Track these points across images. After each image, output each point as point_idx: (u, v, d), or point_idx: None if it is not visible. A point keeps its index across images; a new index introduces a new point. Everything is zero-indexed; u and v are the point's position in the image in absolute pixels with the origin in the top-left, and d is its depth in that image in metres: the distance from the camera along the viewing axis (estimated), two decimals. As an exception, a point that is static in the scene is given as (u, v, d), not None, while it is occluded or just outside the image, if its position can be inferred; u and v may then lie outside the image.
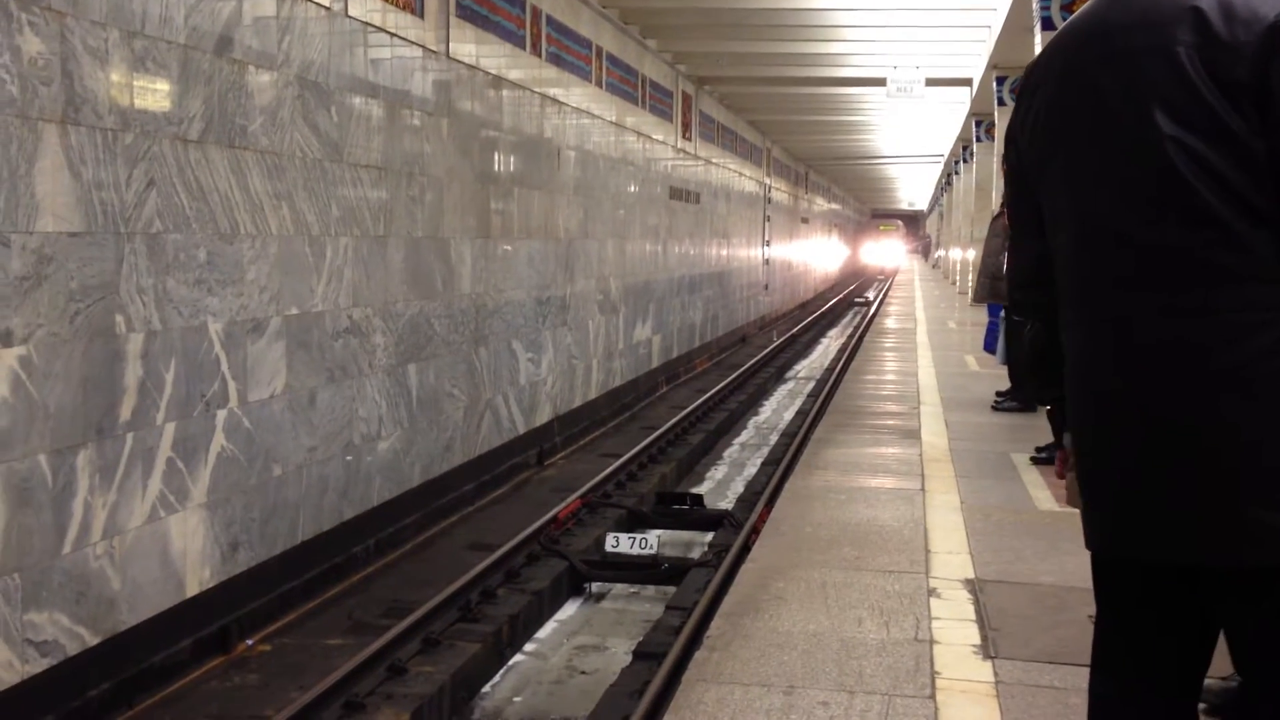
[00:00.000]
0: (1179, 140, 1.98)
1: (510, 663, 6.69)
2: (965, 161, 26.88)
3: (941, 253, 44.50)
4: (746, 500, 10.02)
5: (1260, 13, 1.95)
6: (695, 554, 8.63)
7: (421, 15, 8.31)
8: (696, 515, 9.52)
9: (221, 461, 6.04)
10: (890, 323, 20.74)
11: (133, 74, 5.38)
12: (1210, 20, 1.97)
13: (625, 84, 14.31)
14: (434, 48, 8.56)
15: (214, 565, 6.03)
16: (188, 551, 5.82)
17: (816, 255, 42.05)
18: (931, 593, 4.73)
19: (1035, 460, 7.28)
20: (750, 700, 3.67)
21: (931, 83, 17.39)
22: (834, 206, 49.69)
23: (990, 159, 18.96)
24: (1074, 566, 4.95)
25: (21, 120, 4.74)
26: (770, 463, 11.93)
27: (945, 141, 29.66)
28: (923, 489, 6.65)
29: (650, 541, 8.15)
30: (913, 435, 8.46)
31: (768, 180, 28.14)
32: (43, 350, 4.86)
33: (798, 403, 16.79)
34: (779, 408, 16.72)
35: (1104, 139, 2.08)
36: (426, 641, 6.16)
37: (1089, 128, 2.11)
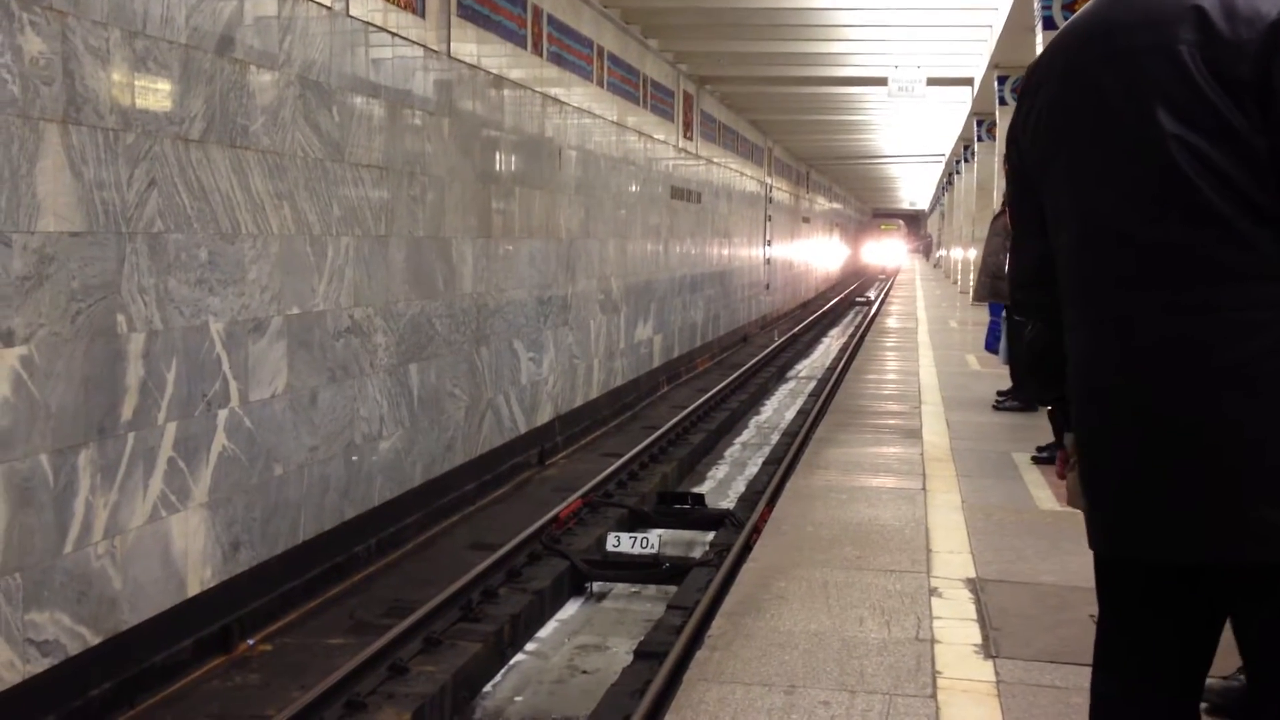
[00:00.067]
0: (1181, 138, 1.98)
1: (511, 662, 6.69)
2: (966, 161, 26.87)
3: (943, 252, 44.49)
4: (748, 500, 10.02)
5: (1262, 10, 1.95)
6: (696, 553, 8.63)
7: (423, 15, 8.31)
8: (698, 515, 9.52)
9: (223, 461, 6.04)
10: (891, 322, 20.74)
11: (134, 74, 5.38)
12: (1212, 18, 1.97)
13: (627, 83, 14.31)
14: (435, 47, 8.56)
15: (215, 565, 6.03)
16: (189, 551, 5.82)
17: (818, 255, 42.05)
18: (933, 592, 4.73)
19: (1036, 460, 7.28)
20: (752, 700, 3.66)
21: (933, 82, 17.39)
22: (835, 206, 49.68)
23: (992, 158, 18.96)
24: (1075, 566, 4.94)
25: (23, 120, 4.74)
26: (771, 462, 11.93)
27: (946, 141, 29.65)
28: (924, 488, 6.65)
29: (651, 541, 8.15)
30: (914, 435, 8.46)
31: (769, 180, 28.13)
32: (44, 350, 4.86)
33: (799, 402, 16.79)
34: (780, 407, 16.72)
35: (1106, 138, 2.08)
36: (428, 641, 6.16)
37: (1090, 127, 2.10)
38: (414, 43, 8.22)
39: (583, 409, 12.52)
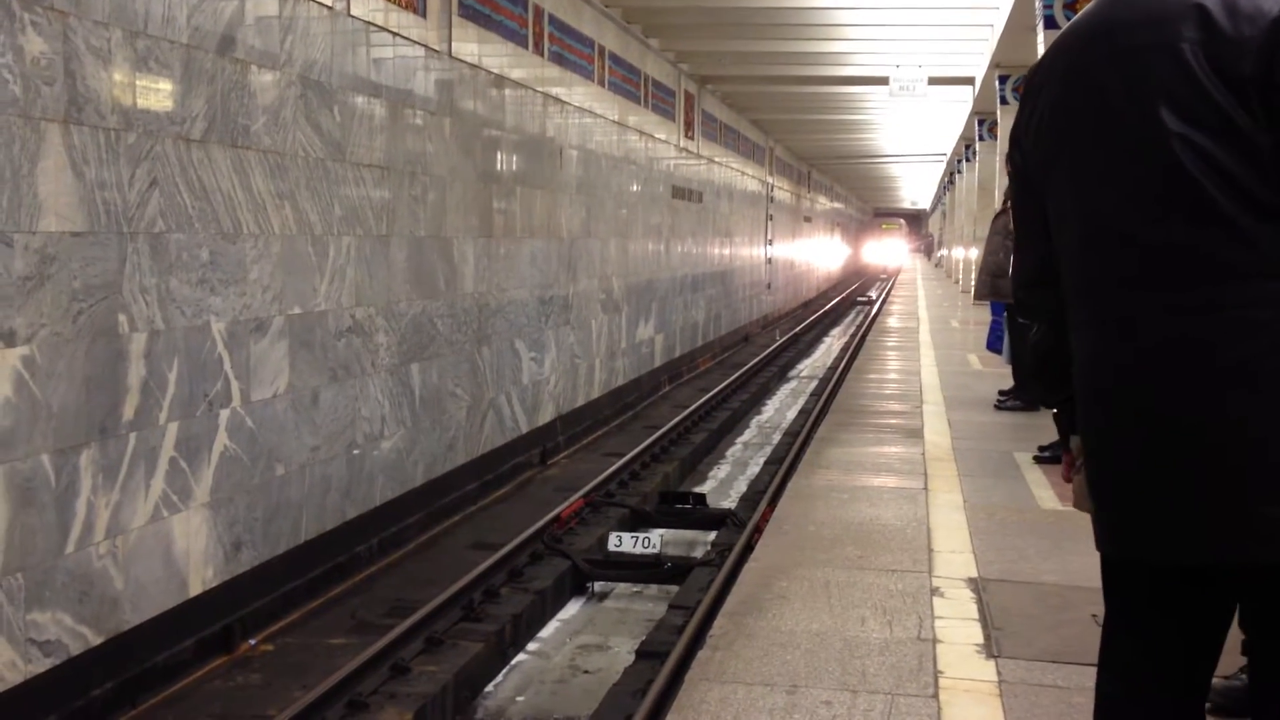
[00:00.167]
0: (1185, 137, 1.98)
1: (513, 662, 6.69)
2: (968, 160, 26.87)
3: (944, 251, 44.48)
4: (749, 499, 10.02)
5: (1264, 8, 1.95)
6: (698, 553, 8.63)
7: (424, 14, 8.31)
8: (699, 514, 9.52)
9: (224, 461, 6.05)
10: (893, 321, 20.74)
11: (135, 74, 5.39)
12: (1214, 16, 1.97)
13: (628, 83, 14.31)
14: (436, 47, 8.56)
15: (217, 565, 6.03)
16: (191, 551, 5.82)
17: (819, 254, 42.04)
18: (934, 592, 4.73)
19: (1038, 459, 7.27)
20: (753, 699, 3.66)
21: (934, 81, 17.39)
22: (837, 205, 49.67)
23: (993, 158, 18.96)
24: (1077, 565, 4.95)
25: (24, 120, 4.74)
26: (773, 462, 11.93)
27: (948, 140, 29.64)
28: (926, 488, 6.65)
29: (653, 541, 8.15)
30: (916, 434, 8.46)
31: (770, 179, 28.13)
32: (46, 350, 4.86)
33: (800, 402, 16.79)
34: (782, 407, 16.71)
35: (1109, 138, 2.08)
36: (429, 641, 6.16)
37: (1093, 127, 2.10)
38: (415, 42, 8.22)
39: (584, 408, 12.52)
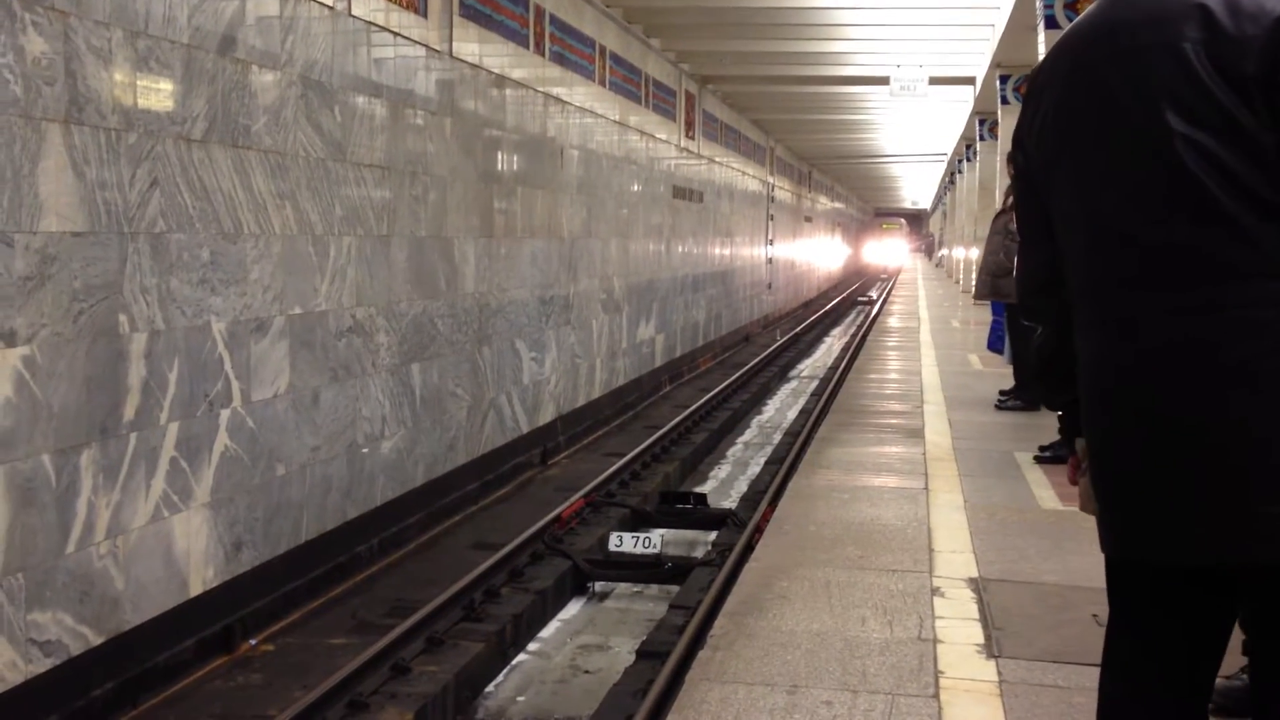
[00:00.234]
0: (1189, 138, 1.97)
1: (514, 662, 6.69)
2: (969, 160, 26.87)
3: (945, 251, 44.48)
4: (750, 499, 10.02)
5: (1267, 6, 1.95)
6: (699, 553, 8.63)
7: (425, 14, 8.31)
8: (700, 514, 9.52)
9: (225, 461, 6.05)
10: (894, 321, 20.73)
11: (136, 74, 5.39)
12: (1217, 16, 1.97)
13: (629, 83, 14.31)
14: (437, 47, 8.56)
15: (217, 565, 6.03)
16: (191, 551, 5.82)
17: (820, 254, 42.04)
18: (935, 592, 4.73)
19: (1039, 459, 7.27)
20: (754, 699, 3.66)
21: (935, 81, 17.38)
22: (837, 205, 49.68)
23: (994, 157, 18.95)
24: (1078, 565, 4.95)
25: (25, 120, 4.74)
26: (774, 462, 11.93)
27: (948, 140, 29.64)
28: (926, 488, 6.65)
29: (653, 541, 8.15)
30: (916, 434, 8.46)
31: (771, 179, 28.13)
32: (46, 350, 4.86)
33: (801, 402, 16.79)
34: (782, 407, 16.71)
35: (1111, 138, 2.08)
36: (430, 641, 6.16)
37: (1095, 127, 2.10)
38: (416, 42, 8.22)
39: (585, 409, 12.52)
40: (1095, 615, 4.23)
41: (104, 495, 5.19)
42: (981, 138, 22.37)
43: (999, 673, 3.90)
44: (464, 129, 9.13)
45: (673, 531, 9.28)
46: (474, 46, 9.24)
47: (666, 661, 5.83)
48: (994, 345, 10.57)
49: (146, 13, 5.44)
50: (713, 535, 8.99)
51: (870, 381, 11.99)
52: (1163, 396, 2.02)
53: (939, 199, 49.30)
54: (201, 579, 5.91)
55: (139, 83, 5.41)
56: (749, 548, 6.84)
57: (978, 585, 4.82)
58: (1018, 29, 12.96)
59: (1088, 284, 2.14)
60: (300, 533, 6.80)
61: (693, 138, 18.54)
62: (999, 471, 7.14)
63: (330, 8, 7.04)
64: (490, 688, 6.33)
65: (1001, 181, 13.14)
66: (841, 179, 48.00)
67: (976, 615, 4.46)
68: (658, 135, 15.99)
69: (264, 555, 6.43)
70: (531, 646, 6.96)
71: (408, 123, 8.17)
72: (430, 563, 7.86)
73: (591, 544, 8.29)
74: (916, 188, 55.24)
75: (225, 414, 6.05)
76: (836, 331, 29.32)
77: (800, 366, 21.52)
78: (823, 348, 25.21)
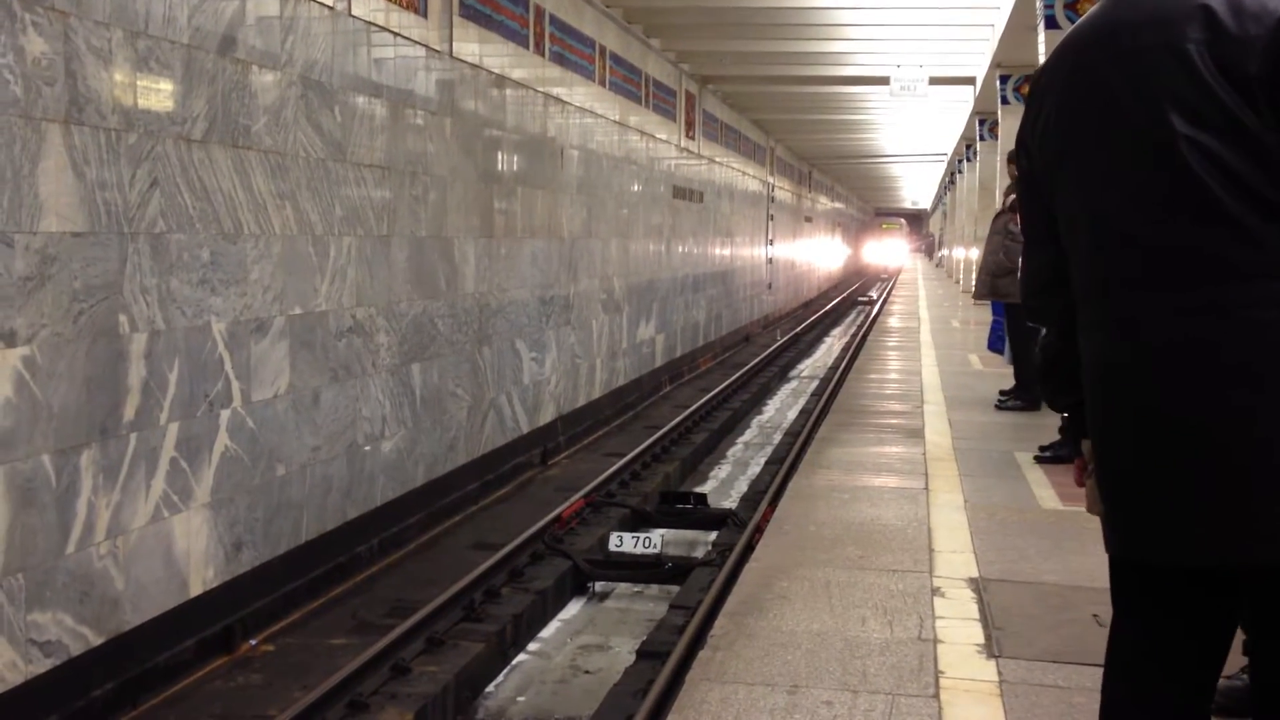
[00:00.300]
0: (1192, 139, 1.97)
1: (514, 662, 6.69)
2: (969, 160, 26.87)
3: (945, 251, 44.48)
4: (750, 499, 10.01)
5: (1270, 7, 1.94)
6: (699, 553, 8.63)
7: (425, 15, 8.31)
8: (700, 514, 9.52)
9: (225, 461, 6.05)
10: (894, 321, 20.73)
11: (136, 74, 5.39)
12: (1220, 16, 1.96)
13: (629, 83, 14.31)
14: (437, 47, 8.56)
15: (218, 565, 6.03)
16: (191, 551, 5.82)
17: (820, 254, 42.04)
18: (935, 592, 4.73)
19: (1039, 459, 7.27)
20: (754, 700, 3.66)
21: (935, 81, 17.38)
22: (837, 205, 49.67)
23: (994, 157, 18.95)
24: (1078, 565, 4.95)
25: (25, 120, 4.74)
26: (774, 462, 11.92)
27: (949, 140, 29.64)
28: (926, 488, 6.65)
29: (654, 541, 8.15)
30: (916, 434, 8.46)
31: (771, 179, 28.13)
32: (46, 350, 4.86)
33: (801, 402, 16.79)
34: (782, 407, 16.71)
35: (1113, 139, 2.08)
36: (430, 641, 6.16)
37: (1097, 128, 2.10)
38: (416, 42, 8.22)
39: (585, 409, 12.52)
40: (1095, 615, 4.23)
41: (104, 495, 5.19)
42: (982, 138, 22.37)
43: (999, 673, 3.90)
44: (464, 129, 9.13)
45: (673, 531, 9.28)
46: (474, 46, 9.24)
47: (667, 662, 5.83)
48: (994, 345, 10.57)
49: (146, 13, 5.44)
50: (713, 535, 8.99)
51: (870, 381, 11.99)
52: (1165, 396, 2.01)
53: (939, 199, 49.29)
54: (201, 579, 5.91)
55: (139, 83, 5.41)
56: (749, 548, 6.84)
57: (978, 585, 4.82)
58: (1018, 29, 12.96)
59: (1091, 284, 2.14)
60: (300, 533, 6.80)
61: (693, 138, 18.54)
62: (999, 471, 7.14)
63: (330, 8, 7.04)
64: (490, 688, 6.33)
65: (1001, 181, 13.14)
66: (842, 179, 47.99)
67: (977, 615, 4.46)
68: (658, 135, 15.99)
69: (264, 555, 6.43)
70: (532, 647, 6.96)
71: (408, 123, 8.17)
72: (430, 563, 7.86)
73: (592, 544, 8.29)
74: (916, 188, 55.23)
75: (225, 414, 6.05)
76: (837, 331, 29.31)
77: (800, 366, 21.51)
78: (823, 348, 25.21)
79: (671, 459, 11.47)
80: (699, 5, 14.34)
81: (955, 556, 5.25)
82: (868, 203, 68.09)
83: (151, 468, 5.50)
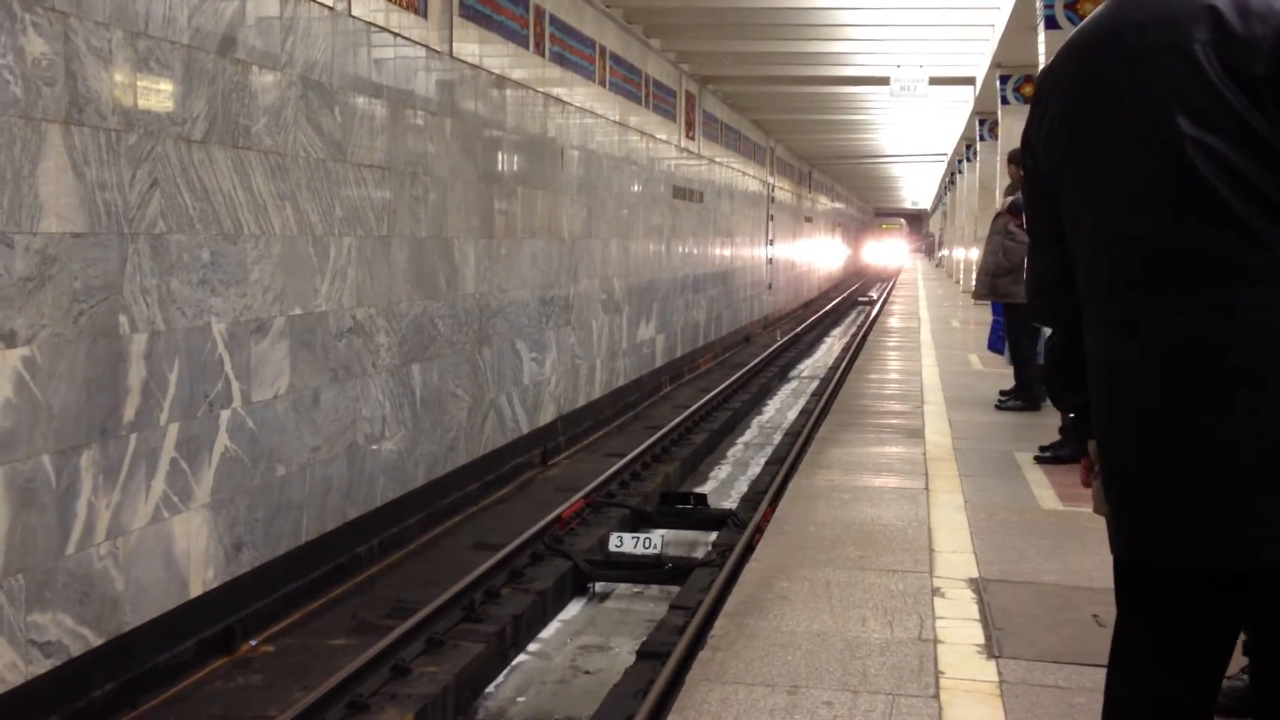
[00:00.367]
0: (1199, 140, 1.96)
1: (514, 663, 6.69)
2: (969, 160, 26.87)
3: (945, 252, 44.48)
4: (750, 500, 10.01)
5: (1277, 7, 1.94)
6: (699, 553, 8.63)
7: (425, 15, 8.31)
8: (700, 515, 9.52)
9: (225, 462, 6.04)
10: (894, 322, 20.73)
11: (136, 74, 5.39)
12: (1226, 16, 1.95)
13: (629, 83, 14.31)
14: (437, 47, 8.56)
15: (218, 565, 6.03)
16: (191, 552, 5.82)
17: (820, 254, 42.04)
18: (935, 592, 4.73)
19: (1039, 459, 7.27)
20: (754, 700, 3.66)
21: (935, 81, 17.39)
22: (837, 205, 49.68)
23: (994, 158, 18.95)
24: (1078, 566, 4.95)
25: (25, 121, 4.74)
26: (774, 462, 11.92)
27: (949, 140, 29.64)
28: (926, 488, 6.64)
29: (654, 541, 8.14)
30: (916, 434, 8.46)
31: (771, 179, 28.13)
32: (46, 351, 4.86)
33: (801, 402, 16.78)
34: (782, 407, 16.71)
35: (1119, 140, 2.07)
36: (430, 641, 6.16)
37: (1102, 129, 2.09)
38: (416, 43, 8.22)
39: (585, 409, 12.52)
40: (1096, 615, 4.23)
41: (104, 496, 5.19)
42: (982, 138, 22.37)
43: (999, 673, 3.90)
44: (464, 129, 9.13)
45: (673, 532, 9.28)
46: (474, 47, 9.24)
47: (667, 662, 5.83)
48: (994, 345, 10.57)
49: (146, 13, 5.44)
50: (713, 536, 8.99)
51: (870, 381, 11.99)
52: (1171, 397, 2.01)
53: (939, 199, 49.29)
54: (201, 580, 5.91)
55: (139, 83, 5.41)
56: (749, 548, 6.84)
57: (978, 585, 4.82)
58: (1018, 29, 12.96)
59: (1096, 285, 2.13)
60: (300, 533, 6.80)
61: (693, 138, 18.55)
62: (999, 471, 7.14)
63: (330, 8, 7.04)
64: (490, 688, 6.33)
65: (1002, 181, 13.15)
66: (842, 179, 47.99)
67: (977, 615, 4.46)
68: (658, 135, 15.99)
69: (264, 556, 6.43)
70: (532, 647, 6.96)
71: (408, 123, 8.17)
72: (430, 563, 7.86)
73: (592, 544, 8.29)
74: (916, 188, 55.23)
75: (225, 415, 6.05)
76: (837, 332, 29.31)
77: (800, 367, 21.51)
78: (823, 348, 25.21)
79: (671, 459, 11.47)
80: (699, 5, 14.34)
81: (955, 557, 5.25)
82: (868, 203, 68.09)
83: (151, 468, 5.50)
